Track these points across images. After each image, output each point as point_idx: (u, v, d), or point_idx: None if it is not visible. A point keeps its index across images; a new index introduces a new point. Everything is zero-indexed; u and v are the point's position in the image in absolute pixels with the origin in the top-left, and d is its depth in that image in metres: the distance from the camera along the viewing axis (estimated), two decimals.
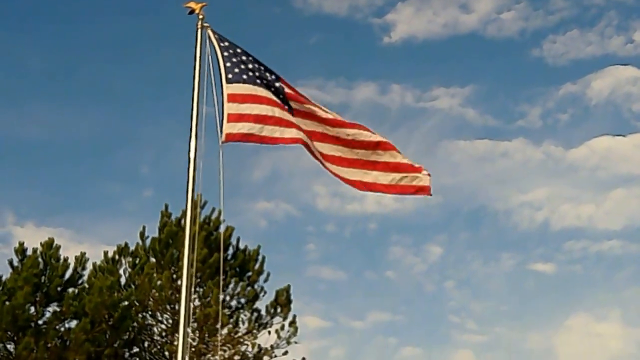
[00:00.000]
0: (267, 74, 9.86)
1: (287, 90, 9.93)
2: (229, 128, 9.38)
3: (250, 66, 9.76)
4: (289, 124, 9.68)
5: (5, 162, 47.85)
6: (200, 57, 9.61)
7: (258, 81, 9.73)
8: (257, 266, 25.18)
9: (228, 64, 9.62)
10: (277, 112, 9.65)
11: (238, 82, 9.58)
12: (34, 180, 47.94)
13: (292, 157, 47.95)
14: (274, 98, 9.73)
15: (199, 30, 9.71)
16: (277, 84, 9.88)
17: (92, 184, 47.73)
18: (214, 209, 25.00)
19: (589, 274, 45.92)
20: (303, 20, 49.84)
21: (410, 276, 45.66)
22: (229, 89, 9.51)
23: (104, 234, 53.96)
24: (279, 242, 45.65)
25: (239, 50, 9.79)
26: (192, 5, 9.78)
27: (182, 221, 24.11)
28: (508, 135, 50.63)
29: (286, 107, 9.78)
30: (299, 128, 9.72)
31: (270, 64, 10.02)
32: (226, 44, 9.77)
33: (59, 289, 23.55)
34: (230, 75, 9.58)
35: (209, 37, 9.71)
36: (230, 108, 9.45)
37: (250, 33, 46.17)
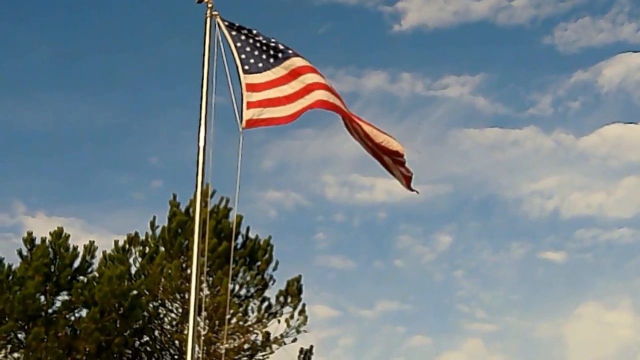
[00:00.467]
0: (280, 47, 9.81)
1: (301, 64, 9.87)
2: (249, 114, 9.38)
3: (263, 48, 9.72)
4: (307, 90, 9.63)
5: (15, 151, 48.17)
6: (209, 46, 9.59)
7: (272, 60, 9.71)
8: (266, 255, 25.20)
9: (243, 56, 9.60)
10: (294, 84, 9.63)
11: (254, 72, 9.59)
12: (44, 170, 48.24)
13: (301, 146, 48.02)
14: (291, 69, 9.68)
15: (208, 19, 9.68)
16: (290, 50, 9.83)
17: (102, 173, 47.94)
18: (222, 198, 25.06)
19: (599, 263, 45.96)
20: (313, 9, 49.90)
21: (420, 265, 45.72)
22: (246, 79, 9.51)
23: (114, 224, 54.09)
24: (288, 231, 45.81)
25: (250, 35, 9.75)
26: None
27: (191, 210, 24.15)
28: (519, 123, 50.68)
29: (295, 68, 9.71)
30: (318, 86, 9.65)
31: None
32: (236, 29, 9.72)
33: (68, 278, 23.62)
34: (246, 67, 9.58)
35: (219, 26, 9.68)
36: (249, 96, 9.44)
37: (261, 21, 46.10)
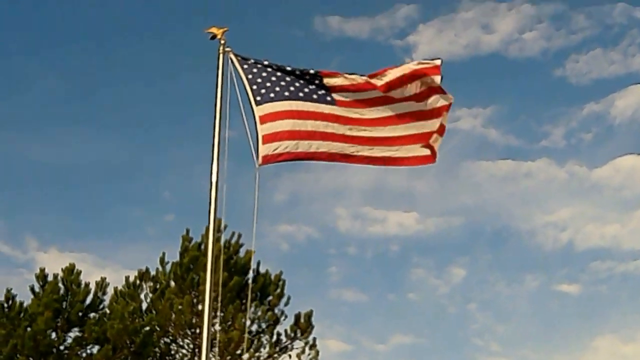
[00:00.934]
0: (298, 79, 9.78)
1: (328, 81, 9.83)
2: (265, 150, 9.30)
3: (276, 80, 9.68)
4: (323, 136, 9.59)
5: (28, 186, 48.31)
6: (222, 81, 9.62)
7: (286, 93, 9.64)
8: (278, 290, 25.14)
9: (254, 87, 9.57)
10: (310, 125, 9.55)
11: (267, 102, 9.51)
12: (57, 205, 48.28)
13: (313, 179, 48.05)
14: (306, 107, 9.64)
15: (221, 55, 9.72)
16: (310, 86, 9.79)
17: (114, 208, 47.95)
18: (234, 233, 25.07)
19: (614, 295, 45.57)
20: (325, 43, 50.02)
21: (433, 298, 45.47)
22: (259, 110, 9.45)
23: (126, 259, 54.16)
24: (300, 264, 45.66)
25: (264, 66, 9.72)
26: (214, 30, 9.78)
27: (203, 245, 24.14)
28: (531, 155, 50.77)
29: (317, 111, 9.70)
30: (333, 137, 9.64)
31: None
32: (250, 63, 9.72)
33: (80, 314, 23.59)
34: (258, 98, 9.52)
35: (232, 62, 9.71)
36: (263, 129, 9.36)
37: (272, 56, 46.04)
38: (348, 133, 9.72)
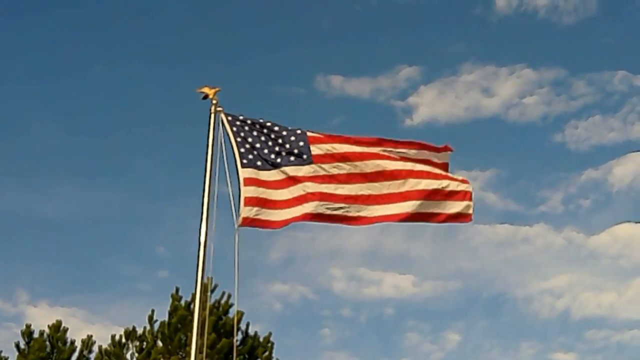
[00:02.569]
0: (287, 145, 9.83)
1: (315, 138, 9.94)
2: (245, 212, 9.38)
3: (264, 142, 9.76)
4: (302, 199, 9.62)
5: (21, 240, 48.04)
6: (213, 141, 9.63)
7: (274, 157, 9.74)
8: (266, 353, 24.87)
9: (242, 150, 9.66)
10: (291, 191, 9.63)
11: (252, 167, 9.61)
12: (49, 259, 48.02)
13: (309, 239, 47.92)
14: (288, 174, 9.70)
15: (212, 115, 9.74)
16: (300, 143, 9.86)
17: (107, 262, 47.58)
18: (224, 293, 24.84)
19: None
20: (326, 102, 50.22)
21: None
22: (244, 173, 9.54)
23: (117, 315, 53.56)
24: (294, 325, 45.28)
25: (251, 128, 9.79)
26: (206, 90, 9.82)
27: (192, 305, 23.94)
28: (529, 220, 50.36)
29: (305, 175, 9.71)
30: (312, 196, 9.62)
31: None
32: (239, 123, 9.79)
33: None
34: (245, 161, 9.62)
35: (222, 122, 9.75)
36: (246, 192, 9.48)
37: (274, 114, 46.53)
38: (334, 192, 9.71)
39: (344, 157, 9.88)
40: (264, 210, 9.47)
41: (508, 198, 49.46)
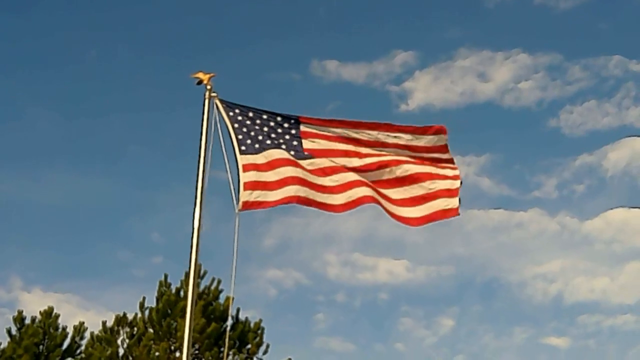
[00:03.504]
0: (279, 130, 9.96)
1: (307, 129, 10.03)
2: (245, 196, 9.49)
3: (258, 129, 9.87)
4: (302, 182, 9.72)
5: (16, 226, 47.91)
6: (207, 127, 9.69)
7: (268, 142, 9.86)
8: (257, 338, 24.96)
9: (240, 136, 9.77)
10: (290, 171, 9.71)
11: (251, 153, 9.73)
12: (43, 246, 47.93)
13: (303, 224, 47.96)
14: (285, 156, 9.82)
15: (207, 101, 9.80)
16: (292, 131, 9.99)
17: (101, 249, 47.51)
18: (213, 279, 24.91)
19: (602, 349, 45.26)
20: (322, 87, 50.19)
21: (421, 349, 45.03)
22: (243, 159, 9.65)
23: (111, 301, 53.57)
24: (288, 311, 45.36)
25: (248, 116, 9.91)
26: (200, 75, 9.86)
27: (182, 291, 24.00)
28: (523, 205, 50.45)
29: (300, 157, 9.83)
30: (310, 185, 9.72)
31: None
32: (236, 111, 9.88)
33: (58, 359, 23.32)
34: (243, 147, 9.74)
35: (217, 108, 9.81)
36: (245, 177, 9.59)
37: (269, 99, 46.74)
38: (328, 184, 9.82)
39: (336, 154, 9.98)
40: (262, 192, 9.57)
41: (503, 183, 49.62)
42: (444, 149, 10.20)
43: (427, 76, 49.45)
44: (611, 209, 47.45)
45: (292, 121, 10.04)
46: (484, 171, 48.86)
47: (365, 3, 54.32)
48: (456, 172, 10.16)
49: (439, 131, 10.19)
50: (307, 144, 9.96)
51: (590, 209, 51.04)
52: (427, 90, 48.83)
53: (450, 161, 10.19)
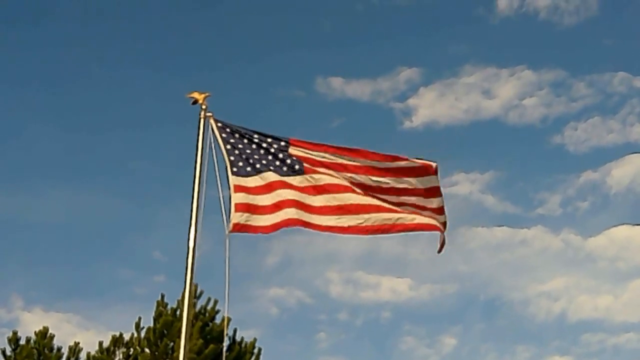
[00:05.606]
0: (271, 150, 9.92)
1: (297, 152, 9.98)
2: (236, 218, 9.45)
3: (250, 153, 9.84)
4: (292, 204, 9.68)
5: (16, 244, 47.82)
6: (202, 146, 9.67)
7: (258, 166, 9.82)
8: (253, 358, 24.85)
9: (232, 158, 9.76)
10: (283, 195, 9.68)
11: (242, 175, 9.71)
12: (44, 264, 47.69)
13: (305, 242, 47.83)
14: (277, 179, 9.78)
15: (202, 120, 9.78)
16: (280, 155, 9.93)
17: (104, 268, 47.42)
18: (209, 299, 24.79)
19: None
20: (326, 104, 50.18)
21: None
22: (234, 180, 9.61)
23: (112, 320, 53.38)
24: (290, 330, 45.19)
25: (240, 136, 9.88)
26: (195, 95, 9.86)
27: (178, 312, 23.88)
28: (527, 222, 49.82)
29: (291, 175, 9.80)
30: (301, 205, 9.67)
31: None
32: (228, 131, 9.87)
33: None
34: (235, 169, 9.73)
35: (212, 128, 9.80)
36: (236, 198, 9.55)
37: (274, 115, 46.84)
38: (325, 203, 9.78)
39: (326, 167, 9.94)
40: (253, 216, 9.54)
41: (506, 200, 49.46)
42: (436, 192, 10.08)
43: (432, 93, 49.43)
44: (615, 226, 47.30)
45: (283, 143, 10.00)
46: (488, 188, 48.79)
47: (370, 20, 54.40)
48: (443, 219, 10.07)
49: (429, 169, 10.03)
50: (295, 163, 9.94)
51: (593, 226, 50.91)
52: (431, 107, 48.84)
53: (441, 210, 10.08)
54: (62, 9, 53.38)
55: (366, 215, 9.75)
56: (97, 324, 46.59)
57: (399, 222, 9.76)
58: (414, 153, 10.16)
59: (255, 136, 9.98)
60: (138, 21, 54.13)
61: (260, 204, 9.61)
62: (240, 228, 9.46)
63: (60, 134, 51.49)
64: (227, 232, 9.38)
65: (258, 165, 9.81)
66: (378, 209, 9.79)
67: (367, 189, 9.87)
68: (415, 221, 9.83)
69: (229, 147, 9.80)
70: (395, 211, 9.79)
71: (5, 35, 51.88)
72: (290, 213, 9.63)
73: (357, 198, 9.80)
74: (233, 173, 9.68)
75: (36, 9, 52.88)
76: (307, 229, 9.78)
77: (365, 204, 9.78)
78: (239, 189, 9.60)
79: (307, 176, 9.84)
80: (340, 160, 9.94)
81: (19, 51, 52.04)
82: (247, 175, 9.72)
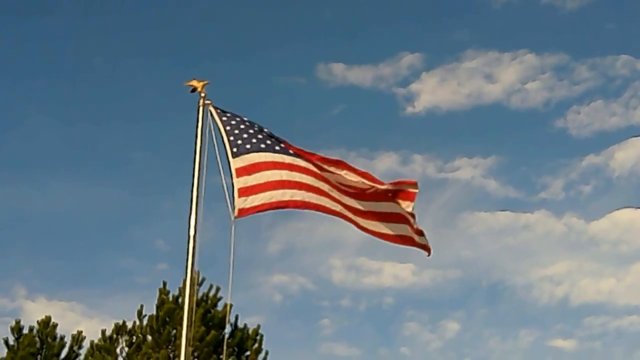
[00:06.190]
0: (272, 137, 10.02)
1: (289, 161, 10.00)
2: (240, 203, 9.47)
3: (253, 133, 9.88)
4: (297, 185, 9.76)
5: (19, 235, 47.90)
6: (201, 134, 9.69)
7: (262, 146, 9.86)
8: (255, 345, 24.93)
9: (231, 138, 9.75)
10: (285, 175, 9.73)
11: (243, 153, 9.71)
12: (47, 254, 47.95)
13: (308, 229, 47.88)
14: (280, 159, 9.81)
15: (201, 108, 9.80)
16: (281, 145, 10.02)
17: (106, 257, 47.46)
18: (211, 286, 24.87)
19: (609, 351, 45.07)
20: (328, 91, 50.14)
21: (426, 353, 44.92)
22: (235, 163, 9.63)
23: (115, 308, 53.58)
24: (293, 316, 45.32)
25: (240, 120, 9.91)
26: (194, 83, 9.87)
27: (180, 299, 23.95)
28: (530, 207, 49.98)
29: (294, 163, 9.88)
30: (307, 187, 9.73)
31: (293, 134, 10.38)
32: (228, 115, 9.89)
33: None
34: (235, 149, 9.71)
35: (211, 114, 9.82)
36: (239, 183, 9.57)
37: (275, 103, 46.81)
38: (329, 192, 9.85)
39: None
40: (258, 195, 9.54)
41: (509, 185, 49.43)
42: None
43: (434, 78, 49.46)
44: (618, 209, 47.27)
45: (277, 139, 10.08)
46: (490, 173, 48.77)
47: (371, 5, 54.31)
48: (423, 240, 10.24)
49: (409, 197, 10.13)
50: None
51: (596, 209, 50.96)
52: (433, 92, 48.76)
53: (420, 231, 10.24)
54: (63, 1, 53.40)
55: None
56: (100, 312, 46.64)
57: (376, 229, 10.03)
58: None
59: (256, 124, 10.03)
60: (138, 12, 54.09)
61: (264, 180, 9.62)
62: (245, 212, 9.47)
63: (61, 125, 51.66)
64: (232, 218, 9.40)
65: (262, 145, 9.82)
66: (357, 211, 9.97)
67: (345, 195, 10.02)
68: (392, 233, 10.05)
69: (228, 128, 9.80)
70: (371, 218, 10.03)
71: (6, 27, 51.89)
72: (291, 195, 9.66)
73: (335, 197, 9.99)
74: (234, 155, 9.66)
75: (37, 1, 52.92)
76: (313, 211, 9.87)
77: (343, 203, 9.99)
78: (241, 171, 9.59)
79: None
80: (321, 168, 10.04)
81: (20, 43, 52.17)
82: (248, 152, 9.72)
